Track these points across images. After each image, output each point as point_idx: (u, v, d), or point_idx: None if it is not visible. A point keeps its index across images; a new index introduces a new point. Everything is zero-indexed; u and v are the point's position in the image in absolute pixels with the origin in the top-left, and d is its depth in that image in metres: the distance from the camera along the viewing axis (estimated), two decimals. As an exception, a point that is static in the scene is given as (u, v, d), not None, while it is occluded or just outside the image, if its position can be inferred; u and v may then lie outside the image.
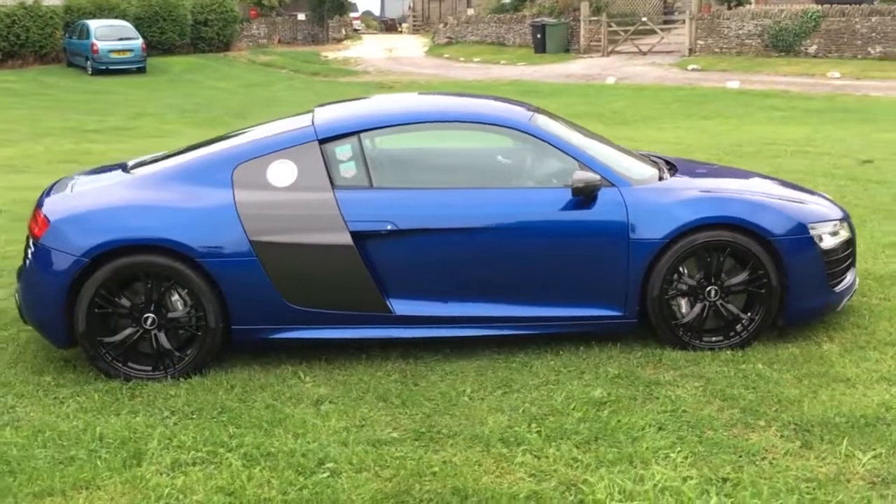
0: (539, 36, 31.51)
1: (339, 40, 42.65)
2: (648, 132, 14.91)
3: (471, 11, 42.00)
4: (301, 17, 42.33)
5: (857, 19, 24.12)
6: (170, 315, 4.63)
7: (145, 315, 4.61)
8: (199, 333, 4.63)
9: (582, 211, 4.70)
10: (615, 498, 3.38)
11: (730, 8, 27.67)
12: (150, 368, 4.65)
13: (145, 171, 5.02)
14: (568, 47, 31.51)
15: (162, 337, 4.63)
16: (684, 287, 4.76)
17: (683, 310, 4.79)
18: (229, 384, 4.55)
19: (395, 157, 5.07)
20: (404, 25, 54.50)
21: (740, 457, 3.68)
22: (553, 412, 4.12)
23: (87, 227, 4.60)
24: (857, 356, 4.67)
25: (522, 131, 4.90)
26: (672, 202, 4.75)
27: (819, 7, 25.20)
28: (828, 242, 4.87)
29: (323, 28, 42.54)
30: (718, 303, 4.77)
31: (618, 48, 30.26)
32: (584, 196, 4.67)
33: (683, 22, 28.55)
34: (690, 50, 27.84)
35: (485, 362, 4.73)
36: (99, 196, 4.84)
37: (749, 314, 4.78)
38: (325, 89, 25.68)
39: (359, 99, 5.97)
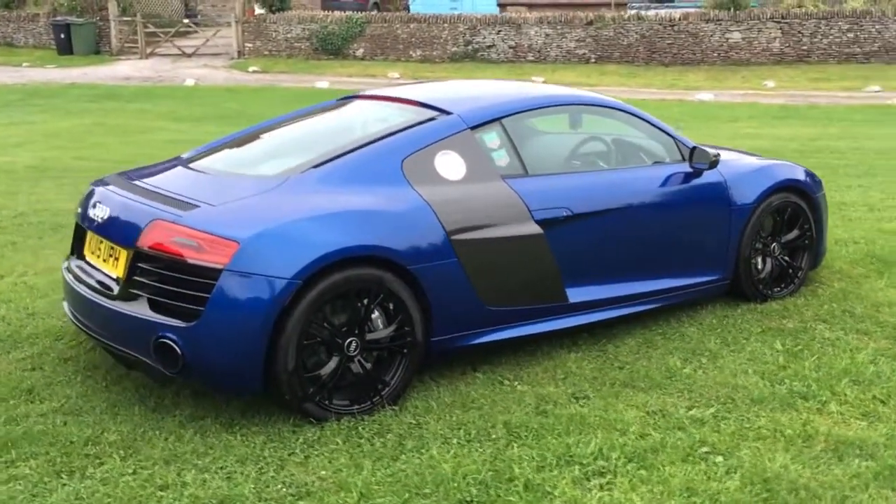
0: (63, 36, 28.88)
1: None
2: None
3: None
4: None
5: (397, 25, 26.48)
6: (369, 336, 4.00)
7: (349, 340, 3.92)
8: (406, 351, 4.07)
9: (700, 184, 5.09)
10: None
11: (273, 12, 28.33)
12: (347, 402, 3.97)
13: (287, 171, 4.20)
14: (98, 49, 29.42)
15: (365, 363, 3.99)
16: (759, 246, 5.41)
17: (759, 266, 5.43)
18: (459, 403, 4.10)
19: (531, 143, 4.91)
20: None
21: (970, 370, 4.46)
22: (779, 367, 4.49)
23: (292, 243, 3.78)
24: (886, 282, 5.73)
25: (633, 115, 5.12)
26: (748, 171, 5.36)
27: (363, 14, 27.13)
28: None
29: None
30: (779, 256, 5.50)
31: (157, 50, 29.14)
32: (707, 170, 5.06)
33: (229, 24, 28.49)
34: (239, 52, 27.94)
35: (640, 339, 4.87)
36: (269, 205, 3.93)
37: (796, 263, 5.59)
38: None
39: (417, 83, 5.58)
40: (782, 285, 5.54)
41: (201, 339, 3.69)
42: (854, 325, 5.05)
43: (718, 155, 5.09)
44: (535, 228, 4.42)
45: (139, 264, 3.89)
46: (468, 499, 3.29)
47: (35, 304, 5.45)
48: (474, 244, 4.24)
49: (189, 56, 28.36)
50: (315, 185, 4.09)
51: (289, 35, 27.49)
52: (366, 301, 3.93)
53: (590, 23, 24.30)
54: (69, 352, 4.72)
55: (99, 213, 4.20)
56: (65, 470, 3.50)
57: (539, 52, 24.95)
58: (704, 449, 3.66)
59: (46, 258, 6.53)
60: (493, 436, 3.77)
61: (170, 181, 4.33)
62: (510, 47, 25.19)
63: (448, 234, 4.15)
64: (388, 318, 4.03)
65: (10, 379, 4.35)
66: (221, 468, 3.52)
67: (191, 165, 4.58)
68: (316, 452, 3.64)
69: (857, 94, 19.75)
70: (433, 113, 4.58)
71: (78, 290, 4.22)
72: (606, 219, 4.71)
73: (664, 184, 4.99)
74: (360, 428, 3.84)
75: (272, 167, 4.38)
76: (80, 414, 3.99)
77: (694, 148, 5.08)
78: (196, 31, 29.79)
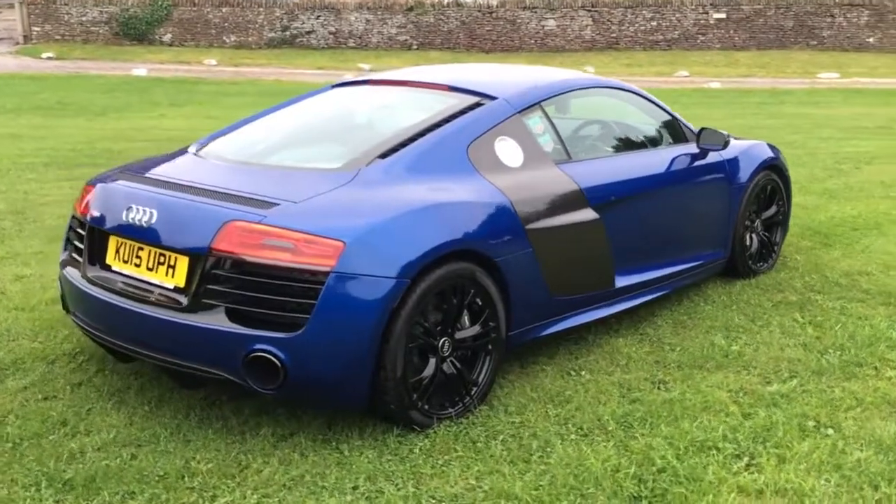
0: None
1: None
2: (143, 121, 14.07)
3: None
4: None
5: (208, 9, 25.37)
6: (458, 334, 3.78)
7: (442, 340, 3.69)
8: (490, 348, 3.88)
9: (710, 164, 5.21)
10: None
11: (66, -7, 26.29)
12: (439, 406, 3.74)
13: (351, 162, 3.85)
14: None
15: (456, 363, 3.77)
16: (748, 223, 5.60)
17: (747, 242, 5.62)
18: (546, 398, 3.98)
19: (564, 127, 4.77)
20: None
21: None
22: (815, 339, 4.65)
23: (398, 240, 3.48)
24: (840, 252, 6.09)
25: (644, 97, 5.13)
26: (739, 152, 5.51)
27: (169, -4, 25.74)
28: None
29: None
30: (761, 233, 5.73)
31: (-72, 34, 26.33)
32: (721, 150, 5.17)
33: (11, 6, 26.18)
34: (26, 37, 25.82)
35: (668, 319, 4.92)
36: (357, 200, 3.58)
37: (773, 239, 5.84)
38: None
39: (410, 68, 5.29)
40: (763, 261, 5.76)
41: (308, 351, 3.33)
42: (846, 294, 5.34)
43: (730, 136, 5.21)
44: (593, 214, 4.33)
45: (214, 271, 3.45)
46: (636, 494, 3.18)
47: (-12, 323, 4.76)
48: (545, 233, 4.10)
49: (-32, 41, 25.86)
50: (387, 177, 3.79)
51: (84, 18, 25.68)
52: (458, 297, 3.71)
53: (410, 9, 24.33)
54: (74, 376, 4.15)
55: (137, 215, 3.69)
56: (178, 509, 3.07)
57: (360, 38, 24.71)
58: (811, 423, 3.73)
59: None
60: (609, 428, 3.67)
61: (215, 177, 3.88)
62: (330, 33, 24.78)
63: (523, 223, 3.99)
64: (473, 315, 3.82)
65: (30, 411, 3.77)
66: (354, 488, 3.21)
67: (221, 159, 4.14)
68: (442, 462, 3.40)
69: (670, 79, 20.99)
70: (475, 98, 4.37)
71: (115, 303, 3.69)
72: (643, 201, 4.70)
73: (685, 165, 5.05)
74: (469, 432, 3.62)
75: (326, 159, 4.03)
76: (142, 444, 3.51)
77: (702, 129, 5.17)
78: (-25, 14, 27.16)
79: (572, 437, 3.60)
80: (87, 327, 3.92)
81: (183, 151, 4.42)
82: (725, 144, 5.15)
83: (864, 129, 13.16)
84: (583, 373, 4.25)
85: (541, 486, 3.21)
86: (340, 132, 4.47)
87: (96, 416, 3.74)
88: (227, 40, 25.19)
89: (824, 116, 14.60)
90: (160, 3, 25.28)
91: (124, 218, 3.74)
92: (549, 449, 3.49)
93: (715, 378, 4.16)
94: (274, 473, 3.28)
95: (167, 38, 25.36)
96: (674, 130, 5.21)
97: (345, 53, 24.22)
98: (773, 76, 21.44)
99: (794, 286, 5.49)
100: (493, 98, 4.35)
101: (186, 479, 3.24)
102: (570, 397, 3.96)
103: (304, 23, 24.79)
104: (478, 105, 4.30)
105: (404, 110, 4.52)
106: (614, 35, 24.33)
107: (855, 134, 12.67)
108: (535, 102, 4.46)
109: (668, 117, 5.22)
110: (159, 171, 4.03)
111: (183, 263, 3.54)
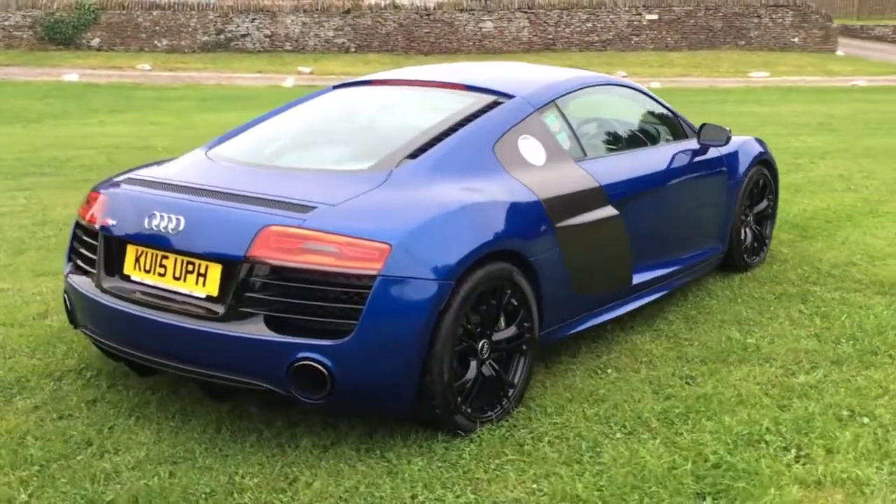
0: None
1: None
2: (84, 128, 13.63)
3: None
4: None
5: (138, 13, 24.76)
6: (495, 336, 3.71)
7: (482, 342, 3.63)
8: (524, 348, 3.82)
9: (711, 159, 5.24)
10: None
11: (-15, -3, 25.36)
12: (479, 409, 3.66)
13: (381, 163, 3.74)
14: None
15: (495, 365, 3.70)
16: (743, 217, 5.66)
17: (742, 236, 5.68)
18: (581, 397, 3.93)
19: (575, 124, 4.72)
20: None
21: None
22: (824, 329, 4.71)
23: (441, 241, 3.40)
24: (823, 244, 6.20)
25: (646, 94, 5.14)
26: (735, 147, 5.55)
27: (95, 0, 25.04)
28: None
29: None
30: (753, 227, 5.80)
31: None
32: (723, 145, 5.21)
33: (-69, 11, 25.13)
34: (-53, 43, 24.81)
35: (679, 314, 4.93)
36: (395, 202, 3.48)
37: (765, 232, 5.92)
38: None
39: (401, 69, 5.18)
40: (755, 254, 5.83)
41: (356, 357, 3.22)
42: (842, 285, 5.43)
43: (731, 131, 5.26)
44: (613, 211, 4.31)
45: (252, 278, 3.31)
46: (699, 491, 3.15)
47: (-26, 340, 4.52)
48: (571, 231, 4.05)
49: None
50: (419, 177, 3.69)
51: (6, 23, 24.80)
52: (497, 298, 3.64)
53: (347, 11, 24.14)
54: (87, 393, 3.95)
55: (162, 223, 3.52)
56: (234, 527, 2.93)
57: (297, 41, 24.42)
58: (846, 413, 3.76)
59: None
60: (651, 425, 3.64)
61: (240, 180, 3.72)
62: (266, 36, 24.43)
63: (552, 221, 3.95)
64: (507, 315, 3.76)
65: (48, 431, 3.57)
66: (412, 497, 3.11)
67: (238, 162, 3.99)
68: (494, 466, 3.33)
69: (609, 79, 21.22)
70: (493, 97, 4.30)
71: (139, 315, 3.52)
72: (655, 198, 4.71)
73: (691, 161, 5.07)
74: (514, 435, 3.56)
75: (352, 160, 3.93)
76: (178, 461, 3.35)
77: (703, 125, 5.20)
78: None
79: (618, 435, 3.57)
80: (103, 340, 3.74)
81: (193, 154, 4.26)
82: (727, 140, 5.19)
83: (807, 126, 13.50)
84: (609, 371, 4.22)
85: (602, 486, 3.16)
86: (360, 133, 4.36)
87: (121, 433, 3.57)
88: (159, 44, 24.62)
89: (767, 114, 14.94)
90: (87, 6, 24.56)
91: (146, 226, 3.57)
92: (598, 449, 3.45)
93: (741, 372, 4.17)
94: (326, 486, 3.17)
95: (95, 42, 24.66)
96: (676, 127, 5.23)
97: (282, 57, 23.89)
98: (707, 76, 21.87)
99: (790, 278, 5.57)
100: (510, 96, 4.29)
101: (235, 495, 3.11)
102: (605, 396, 3.93)
103: (238, 26, 24.39)
104: (496, 104, 4.24)
105: (423, 110, 4.43)
106: (551, 37, 24.53)
107: (799, 130, 12.98)
108: (551, 100, 4.41)
109: (669, 114, 5.24)
110: (177, 176, 3.86)
111: (215, 271, 3.40)
